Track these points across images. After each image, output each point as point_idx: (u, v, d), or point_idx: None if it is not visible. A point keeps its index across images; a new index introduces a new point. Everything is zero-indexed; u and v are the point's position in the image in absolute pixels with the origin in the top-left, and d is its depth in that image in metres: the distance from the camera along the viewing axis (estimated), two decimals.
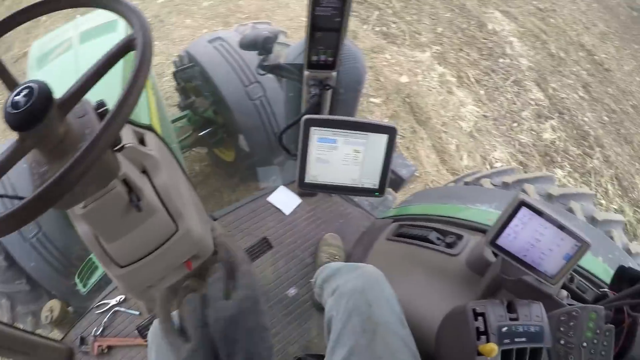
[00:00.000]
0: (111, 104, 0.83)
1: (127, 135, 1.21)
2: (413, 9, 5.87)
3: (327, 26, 1.33)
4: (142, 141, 1.27)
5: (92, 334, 1.89)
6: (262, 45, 1.74)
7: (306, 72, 1.49)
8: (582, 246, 1.04)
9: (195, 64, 2.77)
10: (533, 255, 1.08)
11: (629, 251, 1.85)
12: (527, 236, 1.06)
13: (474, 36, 5.52)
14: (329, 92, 1.56)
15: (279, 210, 2.37)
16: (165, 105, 3.84)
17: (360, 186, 1.30)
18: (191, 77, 2.92)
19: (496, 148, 4.10)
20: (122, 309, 1.96)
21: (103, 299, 1.99)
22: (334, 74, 1.49)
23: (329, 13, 1.30)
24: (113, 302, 1.98)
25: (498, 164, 4.02)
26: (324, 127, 1.19)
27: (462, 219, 1.73)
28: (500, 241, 1.09)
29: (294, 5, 5.65)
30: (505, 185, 2.03)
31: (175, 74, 3.01)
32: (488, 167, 3.98)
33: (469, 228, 1.68)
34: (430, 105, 4.37)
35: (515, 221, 1.05)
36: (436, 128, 4.17)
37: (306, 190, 1.31)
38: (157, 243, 1.19)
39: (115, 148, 0.92)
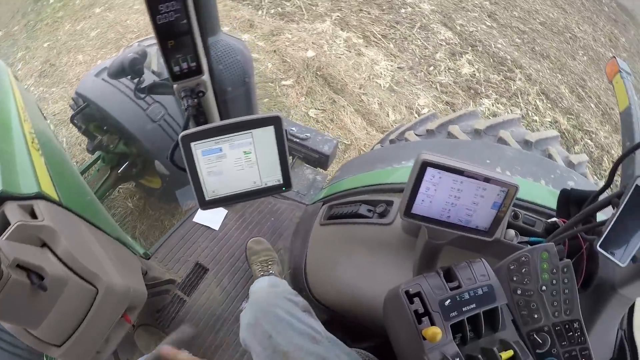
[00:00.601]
0: None
1: (13, 213, 1.15)
2: None
3: (176, 32, 1.22)
4: (32, 213, 1.22)
5: None
6: (131, 69, 1.60)
7: (175, 85, 1.37)
8: (509, 190, 0.92)
9: (88, 102, 2.61)
10: (458, 214, 0.96)
11: (570, 164, 1.85)
12: (443, 197, 0.94)
13: None
14: (210, 98, 1.45)
15: (208, 227, 2.29)
16: (71, 156, 3.80)
17: (264, 186, 1.21)
18: (90, 118, 2.79)
19: (419, 96, 4.16)
20: None
21: None
22: (204, 77, 1.38)
23: (173, 17, 1.18)
24: None
25: (425, 110, 4.05)
26: (203, 138, 1.09)
27: (389, 183, 1.66)
28: (416, 209, 0.97)
29: None
30: (430, 133, 1.98)
31: (72, 119, 2.84)
32: (416, 116, 3.99)
33: (397, 191, 1.62)
34: (343, 72, 4.36)
35: (425, 185, 0.93)
36: (354, 92, 4.18)
37: (210, 207, 1.21)
38: (83, 311, 1.17)
39: None
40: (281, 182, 1.20)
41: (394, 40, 4.76)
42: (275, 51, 4.61)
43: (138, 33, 5.41)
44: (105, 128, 2.86)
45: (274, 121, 1.10)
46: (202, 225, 2.34)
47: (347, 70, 4.40)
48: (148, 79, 1.71)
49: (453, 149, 1.77)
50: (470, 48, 4.72)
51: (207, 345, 2.04)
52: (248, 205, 2.39)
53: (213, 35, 1.58)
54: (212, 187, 1.17)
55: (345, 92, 4.20)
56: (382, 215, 1.56)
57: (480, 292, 0.96)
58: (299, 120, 3.95)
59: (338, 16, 5.13)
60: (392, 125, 3.89)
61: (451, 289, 0.96)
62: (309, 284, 1.86)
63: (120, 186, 3.46)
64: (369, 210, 1.60)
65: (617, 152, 4.13)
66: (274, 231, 2.30)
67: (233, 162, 1.14)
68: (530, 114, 4.21)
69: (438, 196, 0.94)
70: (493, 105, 4.19)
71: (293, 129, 2.65)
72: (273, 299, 1.26)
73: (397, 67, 4.48)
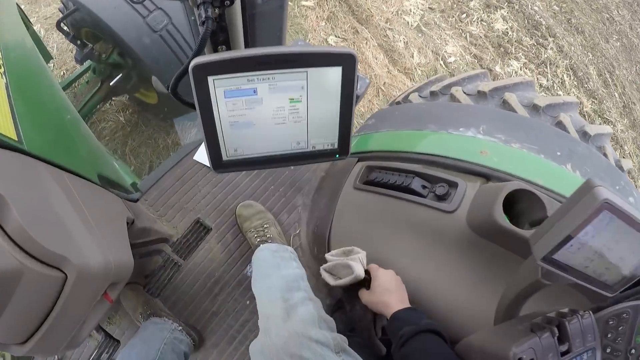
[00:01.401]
0: None
1: None
2: None
3: None
4: None
5: None
6: None
7: None
8: None
9: (78, 6, 2.19)
10: (596, 267, 0.72)
11: (621, 168, 1.58)
12: (597, 245, 0.69)
13: None
14: (236, 9, 1.02)
15: (210, 169, 1.93)
16: (61, 63, 3.51)
17: (310, 150, 0.83)
18: (80, 23, 2.37)
19: (447, 42, 3.90)
20: None
21: None
22: None
23: None
24: None
25: (452, 59, 3.83)
26: (229, 72, 0.70)
27: (452, 158, 1.33)
28: (559, 255, 0.70)
29: None
30: (482, 95, 1.62)
31: (58, 25, 2.39)
32: (442, 62, 3.78)
33: (461, 170, 1.30)
34: (369, 1, 4.05)
35: (587, 229, 0.67)
36: (380, 26, 3.89)
37: (229, 171, 0.84)
38: (49, 302, 0.89)
39: None
40: (336, 147, 0.84)
41: None
42: None
43: None
44: (97, 36, 2.48)
45: (346, 60, 0.71)
46: (205, 165, 1.99)
47: (374, 1, 4.05)
48: None
49: (517, 126, 1.42)
50: (506, 3, 4.42)
51: (202, 311, 1.78)
52: None
53: None
54: (234, 143, 0.80)
55: (370, 23, 3.88)
56: (441, 198, 1.26)
57: (585, 357, 0.84)
58: (318, 44, 3.58)
59: None
60: (416, 67, 3.66)
61: (561, 354, 0.81)
62: None
63: (112, 99, 3.14)
64: (424, 187, 1.30)
65: (630, 149, 3.95)
66: (293, 183, 1.98)
67: (271, 113, 0.76)
68: (555, 88, 4.01)
69: (593, 243, 0.68)
70: (521, 70, 3.96)
71: None
72: (297, 339, 1.06)
73: (429, 7, 4.11)
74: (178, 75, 0.87)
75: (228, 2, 0.92)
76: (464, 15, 4.20)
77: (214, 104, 0.73)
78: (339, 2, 3.98)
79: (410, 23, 3.97)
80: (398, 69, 3.62)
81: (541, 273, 0.77)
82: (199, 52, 0.82)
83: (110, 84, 2.64)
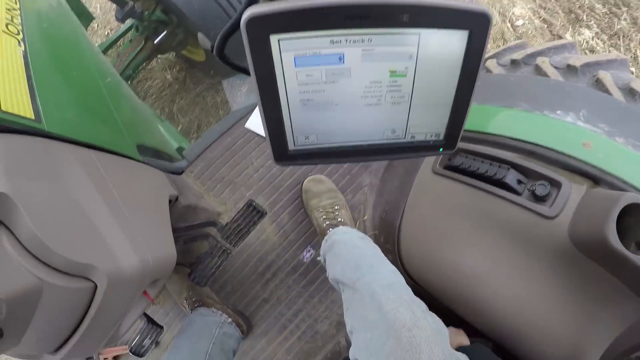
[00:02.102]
0: None
1: None
2: None
3: None
4: None
5: None
6: None
7: None
8: None
9: None
10: None
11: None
12: None
13: None
14: None
15: (264, 139, 1.77)
16: (105, 23, 3.49)
17: (406, 141, 0.62)
18: None
19: (515, 3, 3.67)
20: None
21: None
22: None
23: None
24: None
25: (520, 22, 3.60)
26: (305, 28, 0.48)
27: (550, 148, 1.11)
28: None
29: None
30: (572, 69, 1.38)
31: None
32: (509, 25, 3.57)
33: (563, 166, 1.07)
34: None
35: None
36: None
37: (294, 164, 0.64)
38: (78, 312, 0.78)
39: None
40: (441, 138, 0.62)
41: None
42: None
43: None
44: None
45: (478, 22, 0.49)
46: (258, 135, 1.80)
47: None
48: None
49: (619, 114, 1.18)
50: None
51: (251, 298, 1.68)
52: None
53: None
54: (306, 129, 0.59)
55: None
56: (540, 198, 1.04)
57: None
58: None
59: None
60: None
61: None
62: (401, 248, 1.39)
63: (158, 57, 3.07)
64: (520, 183, 1.09)
65: None
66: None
67: (362, 89, 0.54)
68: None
69: None
70: (592, 40, 3.63)
71: None
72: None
73: None
74: (225, 32, 0.66)
75: None
76: None
77: (279, 75, 0.52)
78: None
79: None
80: None
81: None
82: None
83: (155, 41, 2.54)
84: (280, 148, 0.61)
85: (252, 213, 1.73)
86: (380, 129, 0.59)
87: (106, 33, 3.38)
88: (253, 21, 0.46)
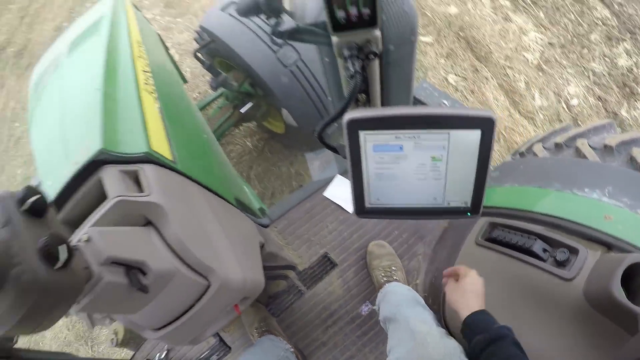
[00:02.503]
0: None
1: (112, 183, 0.94)
2: None
3: None
4: (138, 181, 1.01)
5: (157, 357, 1.88)
6: (267, 6, 1.24)
7: (334, 38, 1.00)
8: None
9: (213, 38, 2.41)
10: None
11: None
12: None
13: None
14: (374, 65, 1.09)
15: (340, 207, 2.06)
16: (193, 87, 3.77)
17: (445, 206, 0.88)
18: (215, 53, 2.59)
19: (569, 82, 3.63)
20: None
21: None
22: (378, 33, 0.98)
23: None
24: None
25: (574, 101, 3.55)
26: (380, 128, 0.76)
27: (573, 221, 1.29)
28: None
29: None
30: (608, 149, 1.54)
31: (195, 55, 2.63)
32: (564, 106, 3.53)
33: (587, 238, 1.25)
34: (488, 37, 3.92)
35: None
36: (499, 64, 3.73)
37: (368, 217, 0.91)
38: (189, 302, 1.01)
39: (56, 267, 0.62)
40: (468, 205, 0.88)
41: (544, 9, 4.16)
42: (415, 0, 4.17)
43: None
44: (229, 65, 2.66)
45: (486, 124, 0.74)
46: (334, 203, 2.07)
47: (492, 36, 3.94)
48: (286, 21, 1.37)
49: None
50: (629, 35, 4.01)
51: (312, 339, 1.87)
52: None
53: None
54: (378, 193, 0.86)
55: (489, 61, 3.74)
56: (561, 263, 1.23)
57: None
58: (437, 84, 3.55)
59: None
60: (538, 111, 3.48)
61: None
62: (445, 309, 1.56)
63: (240, 125, 3.35)
64: (545, 251, 1.28)
65: None
66: (416, 231, 2.02)
67: (414, 168, 0.81)
68: None
69: None
70: None
71: (445, 102, 2.31)
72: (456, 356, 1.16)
73: (548, 43, 3.92)
74: (326, 122, 0.95)
75: (372, 55, 0.99)
76: (585, 50, 3.93)
77: (363, 156, 0.80)
78: (458, 38, 3.96)
79: (530, 61, 3.82)
80: (520, 113, 3.50)
81: None
82: (349, 103, 0.89)
83: (241, 110, 2.82)
84: (360, 205, 0.89)
85: (326, 263, 1.97)
86: (426, 196, 0.86)
87: (194, 96, 3.69)
88: (351, 122, 0.76)
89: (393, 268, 1.85)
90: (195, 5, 4.90)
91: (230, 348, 1.88)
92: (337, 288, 1.93)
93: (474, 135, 0.76)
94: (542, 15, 4.14)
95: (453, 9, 4.16)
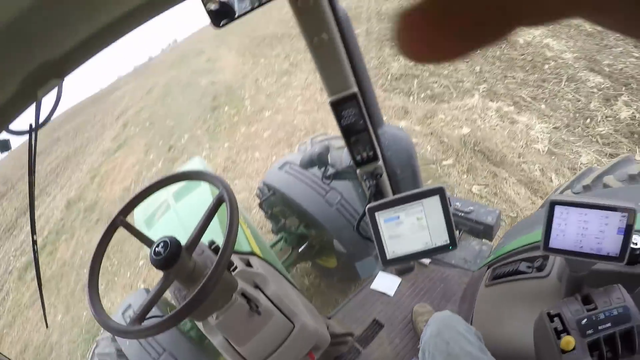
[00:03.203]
0: (218, 241, 1.39)
1: (237, 262, 1.61)
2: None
3: (356, 129, 1.58)
4: (248, 264, 1.69)
5: None
6: (318, 160, 2.02)
7: (358, 171, 1.71)
8: (629, 214, 1.02)
9: (274, 191, 3.09)
10: (589, 244, 1.08)
11: None
12: (573, 230, 1.08)
13: (512, 57, 5.53)
14: (384, 179, 1.77)
15: (383, 294, 2.57)
16: (260, 234, 4.26)
17: (434, 246, 1.44)
18: (275, 204, 3.26)
19: (580, 154, 3.87)
20: None
21: None
22: (380, 163, 1.69)
23: (353, 120, 1.55)
24: None
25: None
26: (385, 208, 1.39)
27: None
28: (553, 244, 1.13)
29: None
30: (587, 188, 1.98)
31: (260, 205, 3.35)
32: None
33: None
34: (499, 144, 4.33)
35: (556, 221, 1.10)
36: (514, 162, 4.09)
37: (391, 265, 1.49)
38: (279, 341, 1.51)
39: (231, 269, 1.48)
40: (448, 242, 1.44)
41: (544, 100, 4.63)
42: (432, 133, 4.88)
43: (305, 131, 6.08)
44: (287, 212, 3.29)
45: (439, 191, 1.37)
46: (379, 291, 2.61)
47: (503, 141, 4.33)
48: (333, 167, 2.09)
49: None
50: (623, 88, 4.24)
51: None
52: (420, 274, 2.61)
53: (379, 127, 1.92)
54: (392, 248, 1.45)
55: (505, 163, 4.11)
56: (539, 269, 1.65)
57: (615, 312, 1.04)
58: (463, 197, 3.94)
59: (485, 87, 5.19)
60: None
61: (588, 311, 1.07)
62: None
63: (298, 264, 3.80)
64: (529, 267, 1.70)
65: None
66: (443, 296, 2.46)
67: (409, 227, 1.41)
68: None
69: (569, 230, 1.09)
70: None
71: (457, 203, 2.81)
72: (453, 317, 1.54)
73: (553, 128, 4.24)
74: (360, 218, 1.60)
75: (379, 175, 1.68)
76: (588, 120, 4.10)
77: (380, 227, 1.42)
78: (474, 153, 4.38)
79: (540, 150, 4.07)
80: (540, 197, 3.69)
81: (569, 268, 1.17)
82: (369, 202, 1.54)
83: (299, 250, 3.38)
84: (384, 258, 1.48)
85: (375, 325, 2.45)
86: (421, 242, 1.45)
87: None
88: (370, 209, 1.41)
89: None
90: (249, 169, 5.77)
91: None
92: (387, 349, 2.31)
93: (435, 199, 1.38)
94: (543, 107, 4.50)
95: (465, 129, 4.64)
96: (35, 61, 0.97)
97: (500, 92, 5.00)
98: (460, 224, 2.75)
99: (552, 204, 1.10)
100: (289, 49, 11.71)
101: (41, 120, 1.16)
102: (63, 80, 1.09)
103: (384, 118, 4.86)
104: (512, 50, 5.66)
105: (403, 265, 1.80)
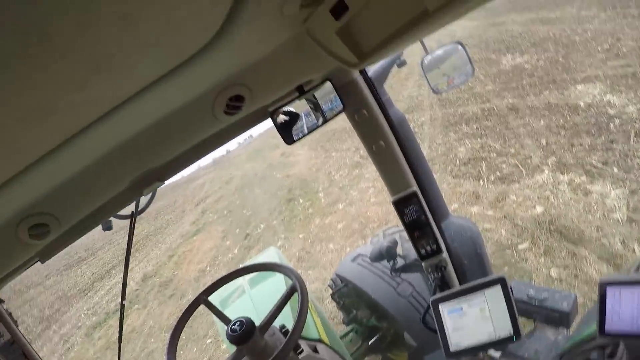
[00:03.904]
0: (288, 326, 1.62)
1: (304, 346, 1.79)
2: (511, 139, 5.97)
3: (419, 224, 1.67)
4: (315, 350, 1.86)
5: None
6: (387, 254, 2.10)
7: (423, 263, 1.78)
8: None
9: (346, 283, 3.16)
10: None
11: None
12: (628, 310, 1.07)
13: (576, 123, 5.42)
14: (450, 270, 1.83)
15: None
16: (332, 324, 4.30)
17: (497, 338, 1.47)
18: (347, 295, 3.31)
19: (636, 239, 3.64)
20: None
21: None
22: (444, 255, 1.75)
23: (415, 216, 1.65)
24: None
25: None
26: (448, 300, 1.45)
27: None
28: (609, 327, 1.11)
29: None
30: None
31: (333, 296, 3.42)
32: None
33: None
34: (576, 219, 4.16)
35: (609, 303, 1.09)
36: (593, 237, 3.87)
37: (455, 358, 1.52)
38: None
39: (298, 352, 1.67)
40: (512, 333, 1.47)
41: (616, 162, 4.44)
42: (505, 216, 4.75)
43: (378, 222, 6.13)
44: (359, 304, 3.31)
45: (500, 281, 1.42)
46: None
47: (579, 216, 4.14)
48: (399, 261, 2.17)
49: None
50: None
51: None
52: None
53: (444, 219, 2.00)
54: (456, 340, 1.50)
55: (584, 240, 3.88)
56: (610, 355, 1.57)
57: None
58: (542, 282, 3.74)
59: (553, 160, 5.15)
60: None
61: None
62: None
63: (367, 357, 3.60)
64: (600, 356, 1.63)
65: None
66: None
67: (472, 318, 1.46)
68: None
69: (624, 309, 1.08)
70: None
71: (531, 290, 2.68)
72: None
73: (630, 192, 4.04)
74: (425, 310, 1.66)
75: (443, 268, 1.75)
76: None
77: (443, 319, 1.48)
78: (550, 233, 4.16)
79: (619, 219, 3.85)
80: (626, 271, 3.21)
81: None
82: (434, 293, 1.60)
83: (369, 342, 3.33)
84: (447, 351, 1.52)
85: None
86: (484, 334, 1.48)
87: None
88: (434, 301, 1.52)
89: None
90: (322, 260, 5.87)
91: None
92: None
93: (497, 288, 1.43)
94: (615, 170, 4.32)
95: (538, 209, 4.52)
96: (145, 168, 1.26)
97: (570, 163, 4.88)
98: (534, 313, 2.63)
99: (604, 285, 1.10)
100: (358, 142, 11.80)
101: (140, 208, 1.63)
102: (164, 183, 1.40)
103: (456, 205, 4.95)
104: (574, 115, 5.55)
105: (468, 358, 1.81)
